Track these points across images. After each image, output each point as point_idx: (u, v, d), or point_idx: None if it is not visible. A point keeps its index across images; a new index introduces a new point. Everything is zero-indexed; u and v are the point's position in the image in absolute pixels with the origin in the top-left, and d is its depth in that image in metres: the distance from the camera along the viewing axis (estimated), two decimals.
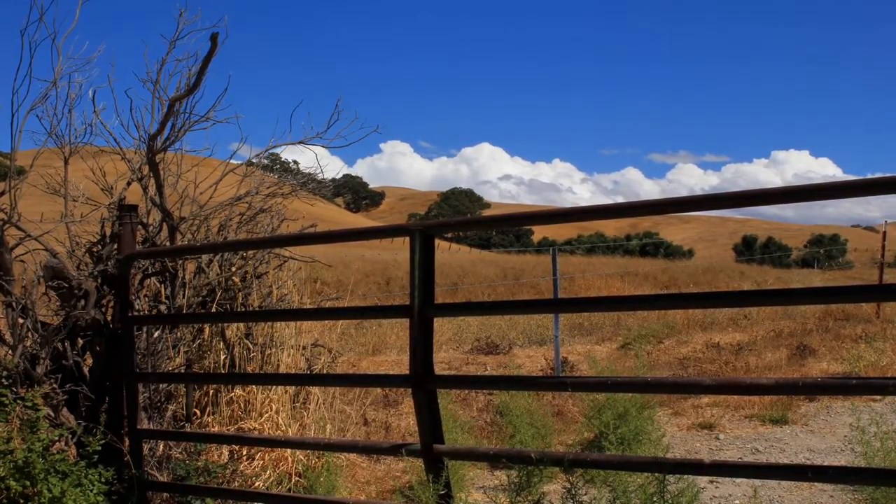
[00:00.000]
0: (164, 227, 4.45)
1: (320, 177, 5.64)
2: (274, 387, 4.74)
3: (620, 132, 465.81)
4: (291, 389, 4.85)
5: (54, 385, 3.87)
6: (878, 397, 6.66)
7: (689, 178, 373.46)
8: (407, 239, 3.16)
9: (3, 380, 3.70)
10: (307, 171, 5.59)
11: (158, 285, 4.54)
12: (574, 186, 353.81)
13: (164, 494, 4.06)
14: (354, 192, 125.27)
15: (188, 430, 4.51)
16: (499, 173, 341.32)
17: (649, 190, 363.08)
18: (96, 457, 3.58)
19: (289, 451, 4.58)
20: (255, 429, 4.59)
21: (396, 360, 9.64)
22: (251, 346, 4.84)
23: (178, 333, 4.57)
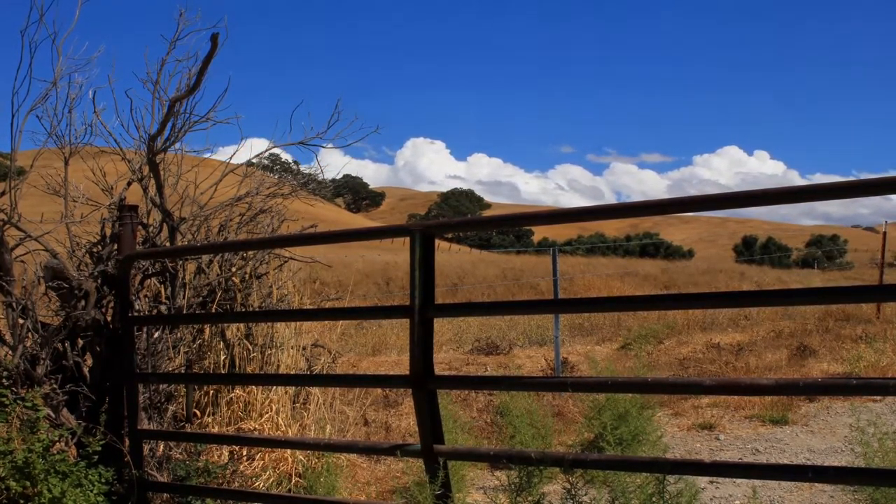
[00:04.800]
0: (165, 227, 4.45)
1: (320, 177, 5.64)
2: (274, 387, 4.74)
3: (549, 132, 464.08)
4: (291, 390, 4.85)
5: (54, 385, 3.87)
6: (879, 398, 6.66)
7: (628, 175, 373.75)
8: (407, 239, 3.16)
9: (4, 380, 3.70)
10: (307, 171, 5.60)
11: (158, 286, 4.54)
12: (526, 184, 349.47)
13: (165, 495, 4.06)
14: (354, 193, 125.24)
15: (188, 430, 4.51)
16: (443, 173, 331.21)
17: (602, 188, 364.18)
18: (96, 457, 3.58)
19: (289, 451, 4.58)
20: (255, 429, 4.59)
21: (396, 361, 9.64)
22: (251, 347, 4.84)
23: (179, 334, 4.57)
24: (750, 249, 54.84)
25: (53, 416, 3.81)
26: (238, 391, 4.69)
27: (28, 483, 3.27)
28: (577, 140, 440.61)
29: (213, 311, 4.64)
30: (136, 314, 4.17)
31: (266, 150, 5.19)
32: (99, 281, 4.07)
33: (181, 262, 4.52)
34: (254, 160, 5.23)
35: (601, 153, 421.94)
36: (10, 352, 3.81)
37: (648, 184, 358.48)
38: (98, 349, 4.05)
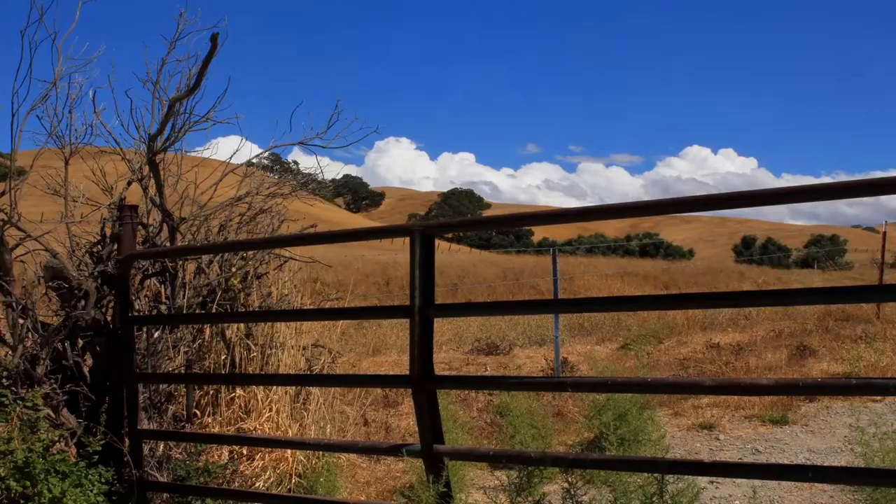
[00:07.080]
0: (165, 227, 4.45)
1: (320, 177, 5.65)
2: (274, 387, 4.74)
3: (512, 131, 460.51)
4: (292, 390, 4.85)
5: (54, 385, 3.87)
6: (878, 398, 6.66)
7: (598, 175, 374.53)
8: (407, 239, 3.16)
9: (4, 380, 3.70)
10: (307, 171, 5.60)
11: (158, 286, 4.54)
12: (500, 183, 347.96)
13: (165, 495, 4.06)
14: (354, 193, 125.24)
15: (188, 430, 4.51)
16: (414, 174, 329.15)
17: (584, 186, 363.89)
18: (96, 457, 3.58)
19: (289, 451, 4.58)
20: (255, 429, 4.59)
21: (396, 361, 9.64)
22: (251, 347, 4.85)
23: (179, 334, 4.57)
24: (749, 249, 54.87)
25: (53, 415, 3.81)
26: (238, 391, 4.69)
27: (28, 483, 3.27)
28: (541, 139, 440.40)
29: (213, 311, 4.64)
30: (136, 314, 4.17)
31: (265, 151, 5.19)
32: (99, 281, 4.07)
33: (181, 262, 4.52)
34: (254, 160, 5.24)
35: (568, 153, 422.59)
36: (10, 352, 3.81)
37: (623, 183, 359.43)
38: (98, 349, 4.05)
